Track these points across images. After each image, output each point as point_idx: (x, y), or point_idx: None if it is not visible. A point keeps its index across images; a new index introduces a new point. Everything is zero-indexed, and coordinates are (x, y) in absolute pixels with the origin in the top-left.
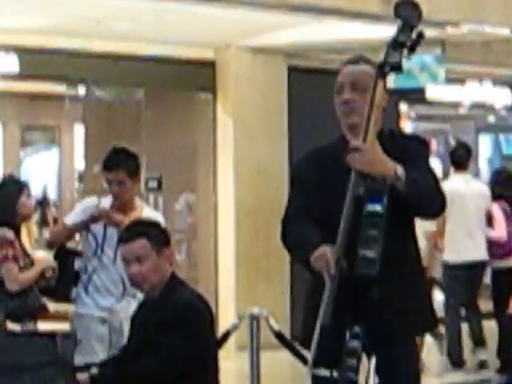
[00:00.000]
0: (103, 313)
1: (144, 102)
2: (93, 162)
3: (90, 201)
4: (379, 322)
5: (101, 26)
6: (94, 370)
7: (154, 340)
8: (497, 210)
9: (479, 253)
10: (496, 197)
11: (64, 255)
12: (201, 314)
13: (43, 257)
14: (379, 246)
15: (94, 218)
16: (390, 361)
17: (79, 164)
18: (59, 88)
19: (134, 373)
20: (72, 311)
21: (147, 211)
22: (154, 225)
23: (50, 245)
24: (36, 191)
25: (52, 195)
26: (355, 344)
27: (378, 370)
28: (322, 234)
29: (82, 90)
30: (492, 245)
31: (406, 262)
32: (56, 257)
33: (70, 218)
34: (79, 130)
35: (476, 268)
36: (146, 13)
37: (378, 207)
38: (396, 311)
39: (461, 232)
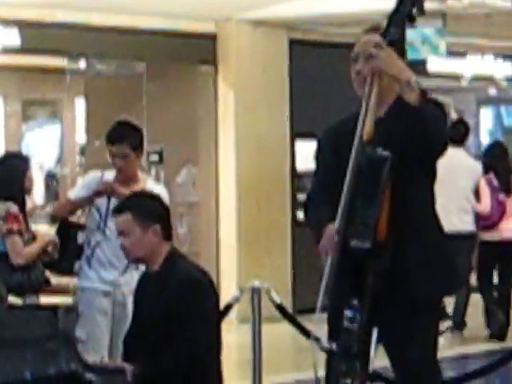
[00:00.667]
0: (106, 286)
1: (145, 76)
2: (94, 136)
3: (94, 175)
4: (394, 292)
5: None
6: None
7: (162, 323)
8: (483, 183)
9: (467, 225)
10: (487, 169)
11: (67, 229)
12: (206, 287)
13: (45, 232)
14: (373, 218)
15: (98, 192)
16: (404, 333)
17: (81, 138)
18: (60, 62)
19: (167, 368)
20: (74, 285)
21: (150, 184)
22: (145, 199)
23: (53, 219)
24: (41, 165)
25: (54, 169)
26: (351, 320)
27: (390, 340)
28: (335, 211)
29: (83, 64)
30: (478, 217)
31: (422, 229)
32: (59, 230)
33: (74, 193)
34: (81, 104)
35: (465, 239)
36: None
37: (374, 180)
38: (407, 285)
39: (451, 205)
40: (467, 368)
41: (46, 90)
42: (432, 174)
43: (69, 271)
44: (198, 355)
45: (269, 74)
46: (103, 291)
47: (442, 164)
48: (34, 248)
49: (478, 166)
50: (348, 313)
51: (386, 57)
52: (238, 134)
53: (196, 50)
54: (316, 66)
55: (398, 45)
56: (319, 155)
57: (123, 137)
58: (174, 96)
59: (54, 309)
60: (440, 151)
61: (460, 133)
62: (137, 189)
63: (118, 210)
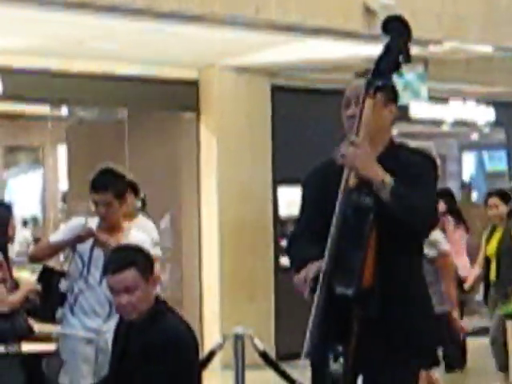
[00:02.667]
0: (89, 333)
1: (127, 122)
2: (76, 183)
3: (77, 221)
4: (369, 342)
5: (83, 46)
6: None
7: (142, 370)
8: None
9: None
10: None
11: (49, 276)
12: (188, 346)
13: (27, 280)
14: (358, 265)
15: (80, 237)
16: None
17: (63, 184)
18: (42, 108)
19: None
20: (57, 332)
21: (134, 233)
22: (141, 251)
23: (31, 259)
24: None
25: (36, 215)
26: (337, 367)
27: None
28: (319, 252)
29: (65, 111)
30: None
31: (407, 285)
32: (41, 277)
33: (56, 237)
34: (63, 151)
35: None
36: (128, 33)
37: (360, 227)
38: (396, 334)
39: None
40: None
41: (28, 136)
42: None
43: (51, 319)
44: None
45: (251, 120)
46: (86, 339)
47: None
48: (17, 296)
49: None
50: (333, 359)
51: (360, 156)
52: (220, 180)
53: (178, 97)
54: (298, 112)
55: (389, 90)
56: (304, 195)
57: (107, 185)
58: (157, 142)
59: (37, 356)
60: (420, 233)
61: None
62: (120, 237)
63: (119, 268)
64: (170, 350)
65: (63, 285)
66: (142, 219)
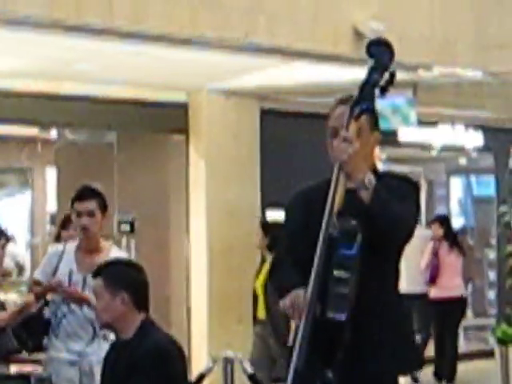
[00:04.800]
0: (73, 356)
1: (116, 145)
2: (65, 205)
3: (54, 250)
4: (354, 367)
5: (72, 68)
6: None
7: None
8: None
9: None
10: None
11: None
12: (173, 358)
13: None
14: (351, 288)
15: (50, 287)
16: None
17: (52, 207)
18: (31, 131)
19: None
20: (44, 356)
21: (114, 253)
22: (119, 266)
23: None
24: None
25: (25, 238)
26: None
27: None
28: (303, 277)
29: (54, 133)
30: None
31: (385, 305)
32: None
33: (39, 272)
34: (51, 173)
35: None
36: (118, 55)
37: (350, 249)
38: (372, 354)
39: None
40: None
41: (16, 158)
42: (398, 254)
43: (38, 349)
44: None
45: (240, 143)
46: (70, 361)
47: None
48: (3, 315)
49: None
50: None
51: (349, 152)
52: (208, 202)
53: (167, 120)
54: (287, 135)
55: (371, 115)
56: (287, 219)
57: (90, 195)
58: (145, 165)
59: (26, 378)
60: (398, 245)
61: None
62: (100, 258)
63: (94, 274)
64: (156, 363)
65: (47, 312)
66: (113, 252)
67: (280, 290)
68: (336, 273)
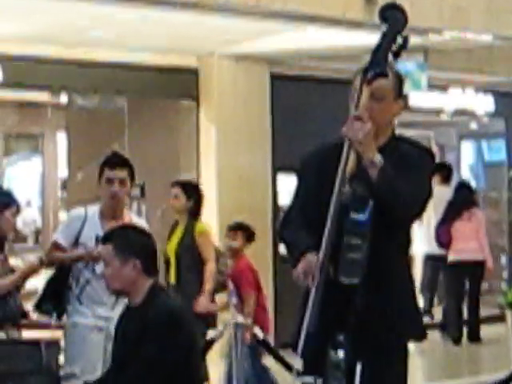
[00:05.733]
0: (100, 321)
1: (127, 110)
2: (76, 170)
3: (77, 213)
4: (365, 331)
5: (84, 34)
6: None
7: (136, 351)
8: None
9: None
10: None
11: (59, 272)
12: (182, 324)
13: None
14: (363, 254)
15: (80, 257)
16: (376, 370)
17: (62, 172)
18: (42, 96)
19: None
20: (68, 321)
21: (134, 219)
22: (131, 232)
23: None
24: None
25: (36, 203)
26: (339, 355)
27: (363, 379)
28: (315, 239)
29: (64, 99)
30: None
31: (394, 271)
32: (54, 280)
33: (59, 235)
34: (62, 138)
35: None
36: (128, 21)
37: (362, 215)
38: (382, 320)
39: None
40: None
41: (27, 124)
42: (410, 222)
43: (59, 315)
44: (153, 379)
45: (250, 108)
46: (97, 327)
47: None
48: (6, 279)
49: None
50: (335, 349)
51: (362, 133)
52: (219, 167)
53: (178, 85)
54: (297, 100)
55: (399, 84)
56: (300, 178)
57: (123, 163)
58: (156, 130)
59: (36, 343)
60: (404, 220)
61: (444, 175)
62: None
63: (102, 240)
64: (165, 328)
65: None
66: (133, 218)
67: (292, 249)
68: (348, 238)
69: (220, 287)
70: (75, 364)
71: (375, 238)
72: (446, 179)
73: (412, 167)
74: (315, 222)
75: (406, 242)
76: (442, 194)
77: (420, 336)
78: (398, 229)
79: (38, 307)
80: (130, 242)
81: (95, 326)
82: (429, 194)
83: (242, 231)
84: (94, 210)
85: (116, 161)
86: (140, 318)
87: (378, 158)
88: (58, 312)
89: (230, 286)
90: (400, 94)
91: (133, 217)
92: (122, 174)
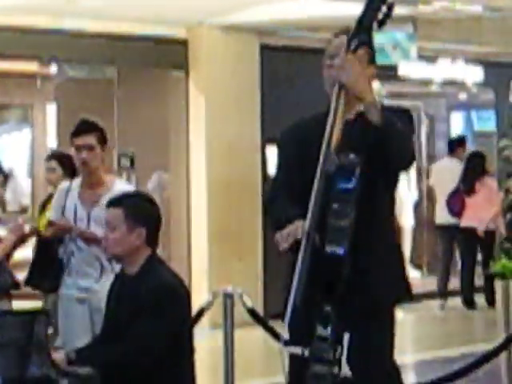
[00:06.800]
0: (82, 293)
1: (116, 80)
2: (65, 141)
3: (62, 186)
4: (352, 299)
5: (73, 3)
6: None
7: (131, 323)
8: None
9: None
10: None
11: (45, 245)
12: (178, 297)
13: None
14: (350, 221)
15: (61, 230)
16: (363, 336)
17: (52, 143)
18: (31, 66)
19: (111, 359)
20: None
21: (119, 186)
22: (142, 201)
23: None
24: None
25: (25, 174)
26: (326, 326)
27: (351, 345)
28: (302, 209)
29: (53, 69)
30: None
31: (380, 235)
32: (39, 249)
33: (51, 212)
34: (52, 109)
35: None
36: None
37: (348, 183)
38: (368, 286)
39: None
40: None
41: (16, 94)
42: (395, 182)
43: (55, 289)
44: (148, 353)
45: (240, 79)
46: (79, 298)
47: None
48: None
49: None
50: (321, 319)
51: (354, 74)
52: (208, 138)
53: (167, 55)
54: (287, 70)
55: (368, 49)
56: (281, 154)
57: (89, 129)
58: (145, 101)
59: (26, 314)
60: (403, 167)
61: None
62: (102, 191)
63: (112, 203)
64: (162, 303)
65: (61, 252)
66: (117, 185)
67: (278, 223)
68: (334, 206)
69: None
70: (61, 336)
71: (362, 205)
72: (454, 151)
73: (389, 138)
74: (300, 194)
75: (391, 207)
76: (452, 165)
77: (406, 298)
78: (384, 193)
79: (30, 281)
80: (139, 210)
81: (77, 297)
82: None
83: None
84: (78, 181)
85: (82, 128)
86: (135, 288)
87: (378, 100)
88: (50, 285)
89: None
90: (372, 60)
91: (117, 183)
92: (89, 139)
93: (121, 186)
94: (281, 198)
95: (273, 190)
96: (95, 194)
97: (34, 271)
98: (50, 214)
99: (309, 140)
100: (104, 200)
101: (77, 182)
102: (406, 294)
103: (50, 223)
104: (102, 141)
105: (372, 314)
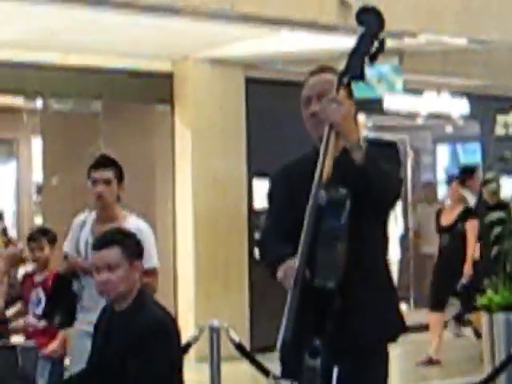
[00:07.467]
0: (91, 327)
1: (102, 114)
2: (51, 175)
3: (77, 220)
4: (342, 335)
5: (57, 38)
6: None
7: (123, 363)
8: None
9: None
10: None
11: (61, 280)
12: (169, 334)
13: None
14: (339, 257)
15: (70, 266)
16: (354, 374)
17: (37, 176)
18: (17, 101)
19: None
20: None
21: (133, 220)
22: (129, 235)
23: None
24: None
25: (10, 208)
26: (315, 359)
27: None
28: (292, 249)
29: (39, 103)
30: None
31: (372, 271)
32: (55, 283)
33: (66, 244)
34: (37, 143)
35: None
36: (103, 25)
37: (337, 220)
38: (361, 321)
39: None
40: None
41: (2, 128)
42: (385, 216)
43: (67, 324)
44: None
45: (226, 113)
46: (87, 332)
47: None
48: None
49: None
50: (310, 352)
51: (343, 112)
52: (194, 172)
53: (153, 89)
54: (273, 104)
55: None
56: (272, 195)
57: (107, 163)
58: (131, 135)
59: (12, 348)
60: (387, 205)
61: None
62: (113, 227)
63: (103, 245)
64: (153, 341)
65: (76, 285)
66: (131, 220)
67: (272, 264)
68: (324, 242)
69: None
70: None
71: (354, 239)
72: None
73: (382, 159)
74: (292, 233)
75: (384, 242)
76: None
77: (398, 335)
78: (375, 227)
79: (45, 315)
80: (131, 244)
81: (86, 331)
82: (400, 183)
83: (46, 237)
84: (93, 215)
85: (101, 161)
86: (127, 325)
87: (362, 139)
88: (64, 320)
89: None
90: (350, 94)
91: (132, 219)
92: (107, 174)
93: (135, 222)
94: (272, 239)
95: (264, 230)
96: (105, 229)
97: (49, 306)
98: (65, 246)
99: (298, 179)
100: None
101: (92, 215)
102: (397, 333)
103: (65, 256)
104: (119, 177)
105: (359, 353)
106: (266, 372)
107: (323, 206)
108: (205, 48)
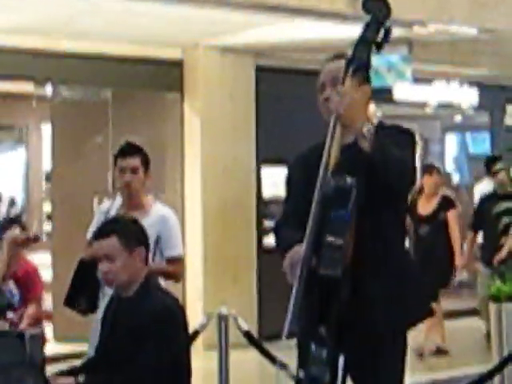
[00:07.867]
0: None
1: (111, 102)
2: (60, 162)
3: (102, 207)
4: (349, 323)
5: (69, 25)
6: (81, 378)
7: (131, 350)
8: None
9: None
10: None
11: (85, 266)
12: (176, 321)
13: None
14: (345, 246)
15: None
16: (366, 364)
17: (47, 164)
18: (27, 87)
19: None
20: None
21: (158, 207)
22: (129, 223)
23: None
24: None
25: (19, 195)
26: (321, 347)
27: (357, 370)
28: (303, 234)
29: (49, 90)
30: None
31: (389, 262)
32: (78, 269)
33: (90, 232)
34: (47, 130)
35: None
36: (113, 12)
37: (344, 209)
38: (377, 311)
39: None
40: None
41: (12, 115)
42: (402, 201)
43: (92, 310)
44: (148, 377)
45: (235, 101)
46: None
47: None
48: None
49: None
50: (316, 340)
51: (347, 102)
52: (204, 160)
53: (163, 77)
54: (283, 92)
55: (364, 72)
56: (289, 183)
57: (134, 151)
58: (140, 122)
59: (20, 335)
60: (402, 191)
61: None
62: (141, 215)
63: (101, 235)
64: (160, 327)
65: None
66: (157, 206)
67: (282, 254)
68: (330, 231)
69: None
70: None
71: (364, 227)
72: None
73: (396, 146)
74: (306, 219)
75: (401, 230)
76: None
77: (418, 321)
78: (390, 214)
79: (68, 302)
80: (130, 231)
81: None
82: (414, 170)
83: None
84: (118, 202)
85: (127, 149)
86: (133, 311)
87: (368, 128)
88: (86, 307)
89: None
90: (366, 80)
91: (158, 206)
92: (134, 162)
93: (161, 208)
94: (286, 226)
95: (280, 218)
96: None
97: (72, 292)
98: (88, 234)
99: (315, 166)
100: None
101: (117, 202)
102: (417, 320)
103: (89, 243)
104: (146, 164)
105: (376, 343)
106: (273, 360)
107: (330, 195)
108: (215, 35)
